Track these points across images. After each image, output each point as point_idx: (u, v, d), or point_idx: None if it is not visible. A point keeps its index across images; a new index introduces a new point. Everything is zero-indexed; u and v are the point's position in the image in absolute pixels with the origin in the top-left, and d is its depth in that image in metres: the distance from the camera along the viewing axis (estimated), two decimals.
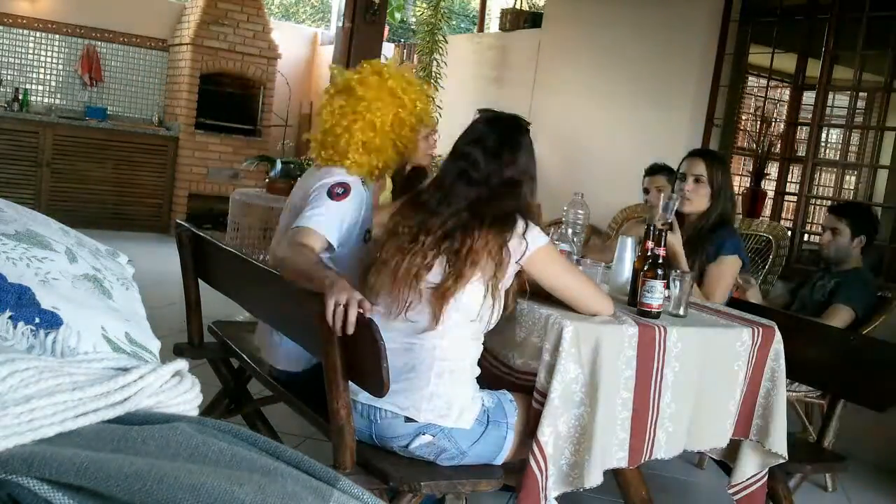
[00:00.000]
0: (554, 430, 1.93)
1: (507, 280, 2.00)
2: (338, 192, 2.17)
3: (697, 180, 2.77)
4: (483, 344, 2.07)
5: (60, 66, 7.54)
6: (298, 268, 1.97)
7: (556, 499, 2.00)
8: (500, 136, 2.05)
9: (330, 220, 2.13)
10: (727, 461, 2.35)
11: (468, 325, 1.98)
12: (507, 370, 2.14)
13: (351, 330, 1.75)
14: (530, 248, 1.98)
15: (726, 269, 2.71)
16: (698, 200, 2.77)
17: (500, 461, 2.03)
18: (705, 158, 2.82)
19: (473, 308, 1.96)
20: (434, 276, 1.95)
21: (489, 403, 2.02)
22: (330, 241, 2.12)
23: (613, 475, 2.12)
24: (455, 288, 1.92)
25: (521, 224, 1.97)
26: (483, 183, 2.00)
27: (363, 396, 1.94)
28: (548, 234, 2.12)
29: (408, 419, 1.94)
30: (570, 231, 2.82)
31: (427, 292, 1.95)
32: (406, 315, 1.95)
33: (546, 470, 1.93)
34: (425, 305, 1.95)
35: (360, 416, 1.98)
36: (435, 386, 1.94)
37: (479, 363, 2.06)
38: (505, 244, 1.95)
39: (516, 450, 2.03)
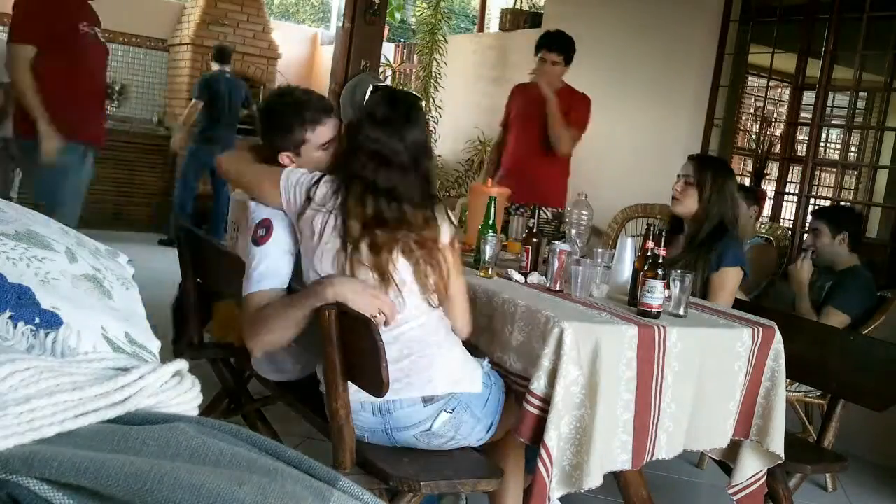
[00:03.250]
0: (557, 433, 1.93)
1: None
2: (260, 234, 2.10)
3: (686, 182, 2.85)
4: (478, 345, 2.09)
5: None
6: (289, 319, 1.93)
7: (559, 499, 2.00)
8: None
9: (270, 267, 2.04)
10: (727, 461, 2.36)
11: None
12: (504, 372, 2.14)
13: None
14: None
15: (728, 281, 2.74)
16: (685, 201, 2.84)
17: (496, 420, 2.06)
18: (697, 161, 2.91)
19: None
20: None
21: (485, 366, 2.10)
22: (283, 285, 2.04)
23: (614, 475, 2.11)
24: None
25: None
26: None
27: None
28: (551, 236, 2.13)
29: (426, 400, 1.95)
30: (573, 231, 2.82)
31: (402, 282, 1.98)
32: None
33: (552, 473, 1.93)
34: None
35: (373, 415, 1.97)
36: (440, 356, 1.99)
37: None
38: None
39: (502, 427, 2.08)
